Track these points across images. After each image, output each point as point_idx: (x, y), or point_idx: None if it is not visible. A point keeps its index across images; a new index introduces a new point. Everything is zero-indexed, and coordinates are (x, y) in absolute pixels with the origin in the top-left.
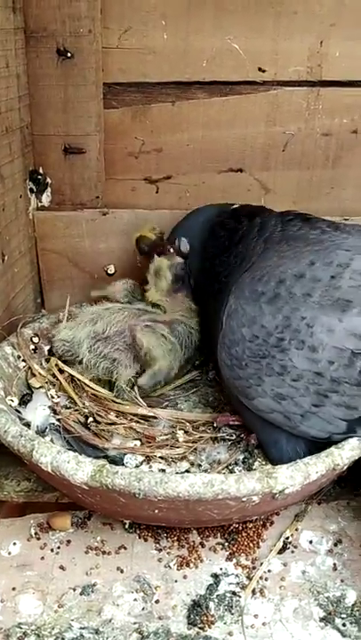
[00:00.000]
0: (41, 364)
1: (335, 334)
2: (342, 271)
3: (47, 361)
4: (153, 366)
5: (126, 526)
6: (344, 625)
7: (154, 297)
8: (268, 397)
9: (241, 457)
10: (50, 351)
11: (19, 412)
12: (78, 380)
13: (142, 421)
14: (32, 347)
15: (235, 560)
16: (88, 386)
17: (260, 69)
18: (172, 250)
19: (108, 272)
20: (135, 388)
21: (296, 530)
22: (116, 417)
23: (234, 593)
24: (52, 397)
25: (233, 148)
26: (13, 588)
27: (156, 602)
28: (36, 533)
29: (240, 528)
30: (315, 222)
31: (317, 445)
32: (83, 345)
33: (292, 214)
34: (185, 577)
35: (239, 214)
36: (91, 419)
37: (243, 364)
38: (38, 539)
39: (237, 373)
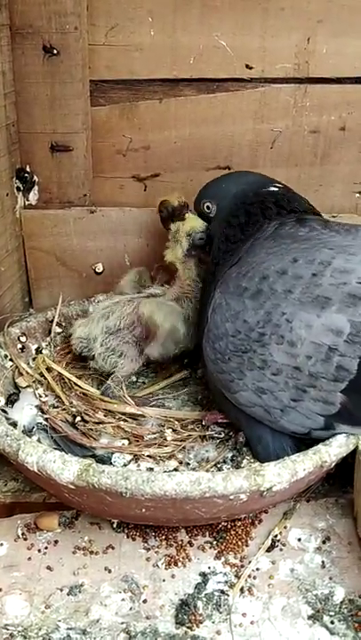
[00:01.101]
0: (28, 363)
1: (313, 330)
2: (323, 269)
3: (35, 360)
4: (158, 335)
5: (114, 526)
6: (332, 622)
7: (168, 257)
8: (249, 391)
9: (229, 455)
10: (37, 350)
11: (5, 411)
12: (67, 378)
13: (130, 420)
14: (19, 346)
15: (223, 559)
16: (76, 385)
17: (247, 66)
18: (188, 214)
19: (97, 270)
20: (123, 386)
21: (285, 528)
22: (104, 416)
23: (222, 592)
24: (40, 396)
25: (221, 146)
26: (0, 589)
27: (144, 601)
28: (23, 534)
29: (228, 526)
30: (308, 221)
31: (305, 442)
32: (97, 340)
33: (302, 219)
34: (173, 576)
35: (275, 202)
36: (79, 418)
37: (226, 359)
38: (25, 539)
39: (221, 367)
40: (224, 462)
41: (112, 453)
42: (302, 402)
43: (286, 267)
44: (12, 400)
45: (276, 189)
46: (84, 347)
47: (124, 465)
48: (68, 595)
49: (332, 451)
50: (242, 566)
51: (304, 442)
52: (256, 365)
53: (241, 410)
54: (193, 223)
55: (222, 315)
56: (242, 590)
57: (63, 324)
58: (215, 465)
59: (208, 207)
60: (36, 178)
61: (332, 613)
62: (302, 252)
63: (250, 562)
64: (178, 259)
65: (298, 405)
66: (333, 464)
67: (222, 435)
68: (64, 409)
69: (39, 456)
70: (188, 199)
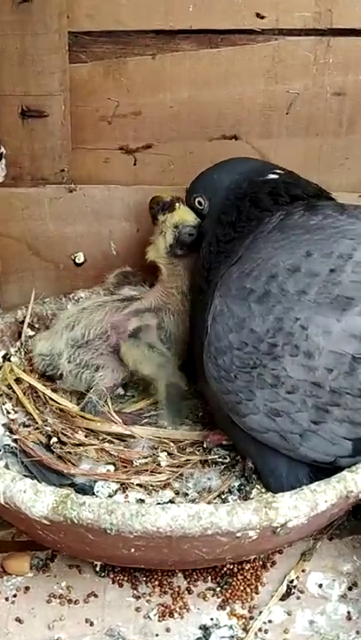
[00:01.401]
0: None
1: (333, 337)
2: (343, 264)
3: (2, 369)
4: (158, 396)
5: (97, 569)
6: None
7: (151, 254)
8: (261, 414)
9: (236, 484)
10: (5, 357)
11: None
12: (40, 391)
13: (117, 442)
14: None
15: (228, 608)
16: (52, 399)
17: (258, 15)
18: (179, 204)
19: (77, 261)
20: (108, 400)
21: (302, 571)
22: (85, 436)
23: None
24: (8, 413)
25: (226, 111)
26: None
27: None
28: None
29: (235, 570)
30: (320, 208)
31: (325, 472)
32: (63, 356)
33: (324, 200)
34: (168, 630)
35: (270, 192)
36: (54, 439)
37: (232, 376)
38: None
39: (226, 387)
40: (230, 492)
41: (95, 482)
42: (325, 424)
43: (298, 262)
44: None
45: (276, 176)
46: (48, 364)
47: (110, 496)
48: None
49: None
50: (251, 618)
51: (323, 471)
52: (268, 383)
53: (251, 436)
54: (183, 215)
55: (225, 324)
56: None
57: (36, 325)
58: (219, 496)
59: (200, 203)
60: (2, 149)
61: None
62: (316, 243)
63: (261, 612)
64: (160, 255)
65: (320, 428)
66: None
67: (228, 459)
68: (37, 428)
69: (7, 485)
70: (187, 175)
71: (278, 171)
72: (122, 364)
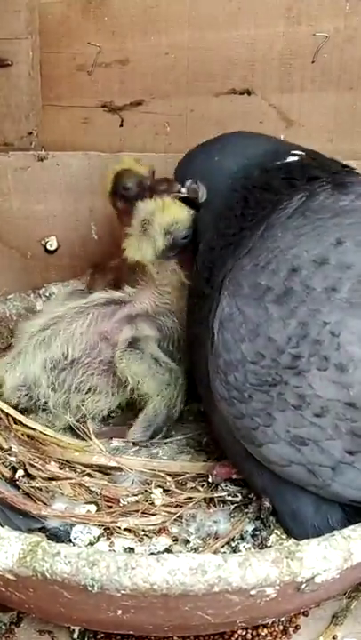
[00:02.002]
0: None
1: None
2: None
3: None
4: (145, 409)
5: (75, 636)
6: None
7: (132, 254)
8: (282, 442)
9: (249, 528)
10: None
11: None
12: (2, 412)
13: (99, 475)
14: None
15: None
16: (18, 421)
17: None
18: (183, 190)
19: (48, 247)
20: (88, 422)
21: (334, 638)
22: (60, 468)
23: None
24: None
25: (236, 59)
26: None
27: None
28: None
29: (248, 637)
30: (349, 186)
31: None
32: (41, 383)
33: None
34: None
35: (285, 177)
36: (21, 471)
37: (245, 396)
38: None
39: (238, 409)
40: (241, 539)
41: (71, 526)
42: None
43: (327, 252)
44: None
45: (296, 158)
46: (25, 395)
47: (90, 543)
48: None
49: None
50: None
51: (359, 513)
52: (290, 404)
53: (269, 470)
54: (176, 213)
55: (235, 331)
56: None
57: None
58: (228, 543)
59: (195, 191)
60: None
61: None
62: (348, 229)
63: None
64: (147, 260)
65: (356, 460)
66: None
67: (239, 497)
68: None
69: None
70: (187, 140)
71: (297, 152)
72: (119, 384)
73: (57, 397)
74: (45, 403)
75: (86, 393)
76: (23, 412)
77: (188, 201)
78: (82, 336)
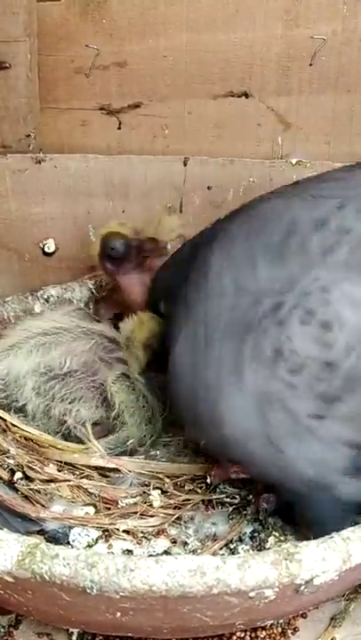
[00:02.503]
0: None
1: None
2: None
3: None
4: (120, 432)
5: (74, 638)
6: None
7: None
8: (247, 398)
9: (248, 530)
10: None
11: None
12: None
13: (98, 477)
14: None
15: None
16: (14, 425)
17: None
18: (139, 314)
19: (46, 250)
20: (87, 424)
21: None
22: (58, 470)
23: None
24: None
25: (235, 62)
26: None
27: None
28: None
29: (248, 639)
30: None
31: None
32: (26, 384)
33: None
34: None
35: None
36: (19, 474)
37: (213, 339)
38: None
39: (202, 357)
40: (240, 541)
41: (70, 528)
42: (326, 420)
43: (327, 215)
44: None
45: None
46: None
47: (89, 546)
48: None
49: None
50: None
51: None
52: (265, 355)
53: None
54: (150, 326)
55: (220, 265)
56: None
57: None
58: (227, 545)
59: (161, 307)
60: None
61: None
62: (347, 192)
63: None
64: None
65: (321, 426)
66: None
67: (237, 499)
68: None
69: None
70: (185, 142)
71: None
72: (103, 403)
73: (38, 402)
74: (24, 405)
75: (70, 403)
76: None
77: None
78: (82, 353)
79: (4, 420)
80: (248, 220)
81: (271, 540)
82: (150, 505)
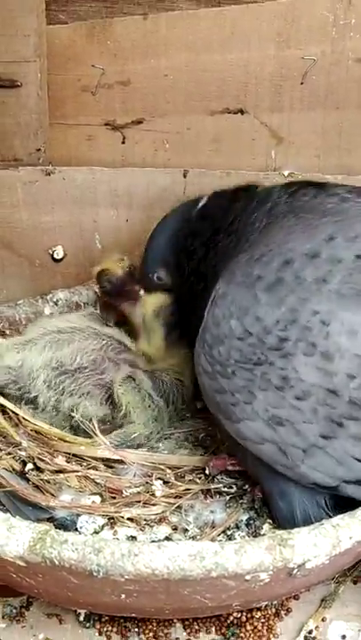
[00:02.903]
0: None
1: (359, 338)
2: None
3: None
4: (128, 429)
5: (81, 618)
6: None
7: (144, 348)
8: (259, 420)
9: (244, 517)
10: None
11: None
12: (10, 410)
13: (104, 468)
14: None
15: None
16: (25, 419)
17: None
18: (142, 292)
19: (55, 256)
20: (94, 419)
21: (323, 620)
22: (67, 462)
23: None
24: None
25: (231, 80)
26: None
27: None
28: None
29: (243, 619)
30: (332, 188)
31: (351, 502)
32: (38, 376)
33: (298, 183)
34: None
35: (212, 209)
36: (30, 465)
37: (228, 372)
38: None
39: (220, 384)
40: (237, 528)
41: (77, 516)
42: (336, 440)
43: (318, 247)
44: None
45: (204, 200)
46: (12, 381)
47: (95, 532)
48: None
49: None
50: None
51: (351, 501)
52: (273, 384)
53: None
54: (153, 301)
55: (226, 308)
56: None
57: (7, 331)
58: (224, 532)
59: (159, 278)
60: None
61: None
62: (338, 225)
63: None
64: (159, 348)
65: (329, 445)
66: None
67: (234, 489)
68: (9, 453)
69: None
70: (184, 156)
71: (203, 197)
72: (108, 400)
73: (49, 395)
74: (36, 397)
75: (79, 397)
76: (6, 397)
77: (163, 287)
78: (93, 352)
79: (17, 415)
80: (253, 252)
81: (266, 526)
82: (153, 494)
